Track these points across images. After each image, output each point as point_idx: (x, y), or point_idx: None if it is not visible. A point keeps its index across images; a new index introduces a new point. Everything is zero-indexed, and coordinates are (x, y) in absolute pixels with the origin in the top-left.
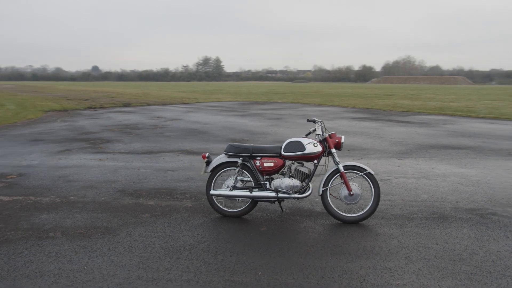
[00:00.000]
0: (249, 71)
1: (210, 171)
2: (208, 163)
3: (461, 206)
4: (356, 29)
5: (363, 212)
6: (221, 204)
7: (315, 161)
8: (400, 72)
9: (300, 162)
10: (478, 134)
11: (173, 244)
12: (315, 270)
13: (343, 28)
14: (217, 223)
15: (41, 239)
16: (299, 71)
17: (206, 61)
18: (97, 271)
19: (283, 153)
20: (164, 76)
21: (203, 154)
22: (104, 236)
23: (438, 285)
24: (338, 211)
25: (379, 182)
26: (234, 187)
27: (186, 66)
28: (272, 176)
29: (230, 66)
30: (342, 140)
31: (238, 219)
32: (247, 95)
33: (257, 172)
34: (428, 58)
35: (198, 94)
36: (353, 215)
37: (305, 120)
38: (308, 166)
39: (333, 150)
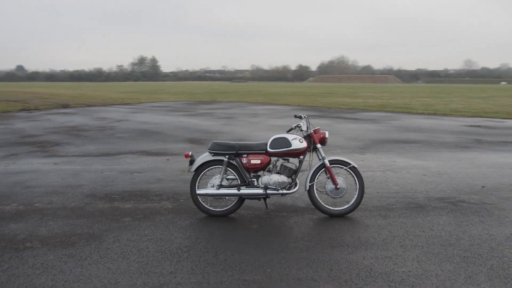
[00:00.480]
0: (186, 71)
1: (194, 170)
2: (191, 162)
3: (431, 195)
4: (292, 29)
5: (348, 205)
6: (206, 204)
7: (301, 156)
8: (335, 71)
9: (286, 158)
10: (422, 129)
11: (168, 246)
12: (322, 264)
13: (279, 28)
14: (206, 223)
15: (19, 250)
16: (237, 71)
17: (141, 61)
18: (96, 280)
19: (269, 149)
20: (97, 76)
21: (186, 153)
22: (90, 243)
23: (440, 269)
24: (325, 205)
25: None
26: (221, 186)
27: (121, 66)
28: (258, 173)
29: (166, 66)
30: (327, 135)
31: (226, 218)
32: (190, 95)
33: (244, 169)
34: (360, 58)
35: (139, 94)
36: (339, 208)
37: (254, 118)
38: (294, 162)
39: (318, 146)
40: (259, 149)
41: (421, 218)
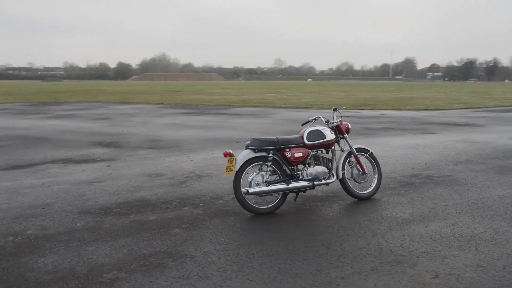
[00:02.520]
0: None
1: (238, 170)
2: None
3: (407, 174)
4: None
5: (372, 188)
6: (252, 203)
7: (332, 147)
8: (158, 69)
9: (320, 150)
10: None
11: (261, 248)
12: (406, 239)
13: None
14: (267, 222)
15: (107, 284)
16: (47, 68)
17: None
18: None
19: (307, 142)
20: None
21: (226, 151)
22: (176, 260)
23: (488, 227)
24: (356, 190)
25: None
26: (269, 182)
27: None
28: (298, 166)
29: None
30: (349, 126)
31: (276, 215)
32: (18, 95)
33: (288, 163)
34: (181, 56)
35: None
36: (366, 192)
37: (136, 118)
38: (325, 153)
39: (347, 136)
40: (298, 143)
41: (423, 191)
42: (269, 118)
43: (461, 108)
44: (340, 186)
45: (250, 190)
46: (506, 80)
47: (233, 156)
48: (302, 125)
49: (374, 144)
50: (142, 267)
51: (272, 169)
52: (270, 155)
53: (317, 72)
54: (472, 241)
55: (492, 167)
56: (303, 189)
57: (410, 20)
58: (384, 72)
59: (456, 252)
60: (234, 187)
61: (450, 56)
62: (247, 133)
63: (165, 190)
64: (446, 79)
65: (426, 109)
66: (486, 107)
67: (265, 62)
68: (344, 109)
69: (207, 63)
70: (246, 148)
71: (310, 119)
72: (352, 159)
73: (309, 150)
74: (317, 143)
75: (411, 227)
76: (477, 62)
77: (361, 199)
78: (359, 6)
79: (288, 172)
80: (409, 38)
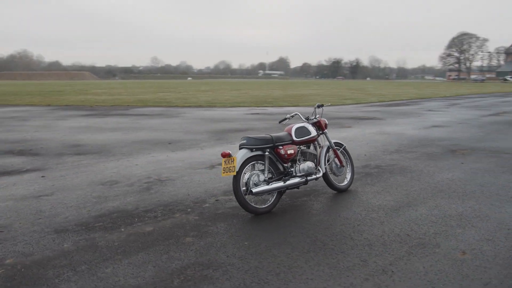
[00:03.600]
0: None
1: (238, 170)
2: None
3: (358, 165)
4: None
5: (348, 180)
6: (252, 203)
7: (315, 142)
8: (19, 67)
9: (305, 146)
10: (235, 119)
11: (303, 247)
12: (411, 224)
13: None
14: (269, 221)
15: None
16: None
17: None
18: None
19: (295, 139)
20: None
21: (225, 152)
22: (226, 270)
23: (464, 206)
24: (336, 183)
25: None
26: (268, 180)
27: None
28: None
29: None
30: (327, 122)
31: (271, 214)
32: None
33: (281, 161)
34: (45, 53)
35: None
36: (344, 184)
37: (28, 122)
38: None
39: (326, 131)
40: (288, 140)
41: (399, 177)
42: (182, 118)
43: (352, 104)
44: (317, 181)
45: (254, 190)
46: (368, 78)
47: (233, 156)
48: (280, 122)
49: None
50: (187, 282)
51: (268, 168)
52: (267, 153)
53: (195, 71)
54: (463, 219)
55: (421, 155)
56: (298, 185)
57: (284, 22)
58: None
59: (459, 230)
60: (234, 188)
61: (319, 56)
62: (172, 133)
63: (136, 198)
64: (317, 77)
65: (332, 105)
66: (371, 102)
67: (140, 60)
68: (329, 105)
69: (76, 61)
70: (242, 148)
71: (288, 116)
72: (331, 153)
73: (298, 147)
74: (304, 139)
75: (405, 213)
76: (342, 62)
77: (341, 191)
78: (235, 6)
79: (282, 169)
80: (282, 39)
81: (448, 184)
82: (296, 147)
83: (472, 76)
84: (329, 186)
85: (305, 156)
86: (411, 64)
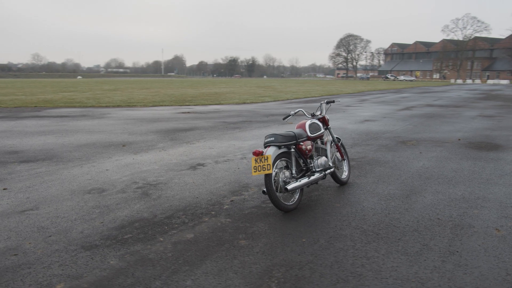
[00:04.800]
0: None
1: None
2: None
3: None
4: None
5: (347, 172)
6: (281, 201)
7: (323, 138)
8: None
9: (315, 141)
10: (167, 118)
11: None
12: (429, 209)
13: None
14: (303, 215)
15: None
16: None
17: None
18: None
19: (310, 135)
20: None
21: (258, 150)
22: (319, 269)
23: (459, 190)
24: (341, 177)
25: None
26: (296, 177)
27: None
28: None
29: None
30: (328, 118)
31: (297, 210)
32: None
33: (303, 157)
34: None
35: None
36: (345, 176)
37: None
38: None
39: (330, 126)
40: (305, 136)
41: (372, 172)
42: (110, 119)
43: (272, 101)
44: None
45: (289, 187)
46: (265, 76)
47: (267, 154)
48: (284, 119)
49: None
50: (284, 283)
51: (295, 164)
52: (292, 150)
53: (85, 69)
54: (470, 201)
55: (379, 147)
56: (318, 180)
57: (179, 20)
58: (156, 69)
59: (476, 211)
60: (268, 186)
61: (215, 54)
62: (115, 135)
63: (142, 205)
64: (215, 75)
65: (244, 103)
66: (288, 99)
67: (19, 57)
68: (338, 101)
69: None
70: (270, 145)
71: (292, 112)
72: (333, 147)
73: (312, 142)
74: (317, 135)
75: (414, 200)
76: (239, 60)
77: (344, 183)
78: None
79: (303, 165)
80: (177, 37)
81: (427, 171)
82: (311, 142)
83: (358, 74)
84: (334, 179)
85: (318, 152)
86: (303, 63)
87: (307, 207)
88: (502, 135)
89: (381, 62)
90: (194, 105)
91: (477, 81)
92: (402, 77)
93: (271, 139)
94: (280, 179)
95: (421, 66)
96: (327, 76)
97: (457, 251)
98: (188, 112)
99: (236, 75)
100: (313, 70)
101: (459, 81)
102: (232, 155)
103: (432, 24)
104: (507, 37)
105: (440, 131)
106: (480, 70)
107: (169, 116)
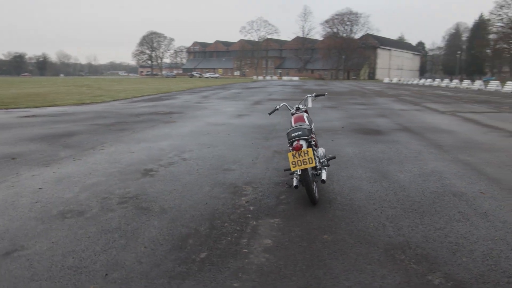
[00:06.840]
0: None
1: None
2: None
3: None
4: None
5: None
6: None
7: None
8: None
9: None
10: (12, 124)
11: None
12: (447, 188)
13: None
14: (341, 206)
15: None
16: None
17: None
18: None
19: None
20: None
21: (297, 145)
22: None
23: (456, 166)
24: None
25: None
26: (317, 168)
27: None
28: None
29: None
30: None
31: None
32: None
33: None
34: None
35: None
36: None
37: None
38: None
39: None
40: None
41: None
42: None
43: (113, 100)
44: None
45: (324, 177)
46: (62, 75)
47: (306, 148)
48: (270, 114)
49: (172, 136)
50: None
51: (317, 155)
52: (313, 142)
53: None
54: (448, 174)
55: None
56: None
57: None
58: None
59: (460, 182)
60: (308, 181)
61: None
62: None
63: (206, 189)
64: None
65: (84, 103)
66: (127, 97)
67: None
68: (326, 94)
69: None
70: (300, 139)
71: (277, 107)
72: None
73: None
74: (313, 127)
75: (402, 178)
76: (26, 57)
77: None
78: None
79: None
80: None
81: (417, 152)
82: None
83: (164, 72)
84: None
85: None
86: (102, 60)
87: (322, 199)
88: (369, 122)
89: (184, 60)
90: (26, 107)
91: (274, 77)
92: (207, 75)
93: (299, 133)
94: (309, 172)
95: (223, 64)
96: (130, 75)
97: (492, 218)
98: (33, 116)
99: (25, 74)
100: (114, 68)
101: (260, 77)
102: (167, 157)
103: (232, 24)
104: (292, 39)
105: (318, 120)
106: (274, 68)
107: (12, 121)
